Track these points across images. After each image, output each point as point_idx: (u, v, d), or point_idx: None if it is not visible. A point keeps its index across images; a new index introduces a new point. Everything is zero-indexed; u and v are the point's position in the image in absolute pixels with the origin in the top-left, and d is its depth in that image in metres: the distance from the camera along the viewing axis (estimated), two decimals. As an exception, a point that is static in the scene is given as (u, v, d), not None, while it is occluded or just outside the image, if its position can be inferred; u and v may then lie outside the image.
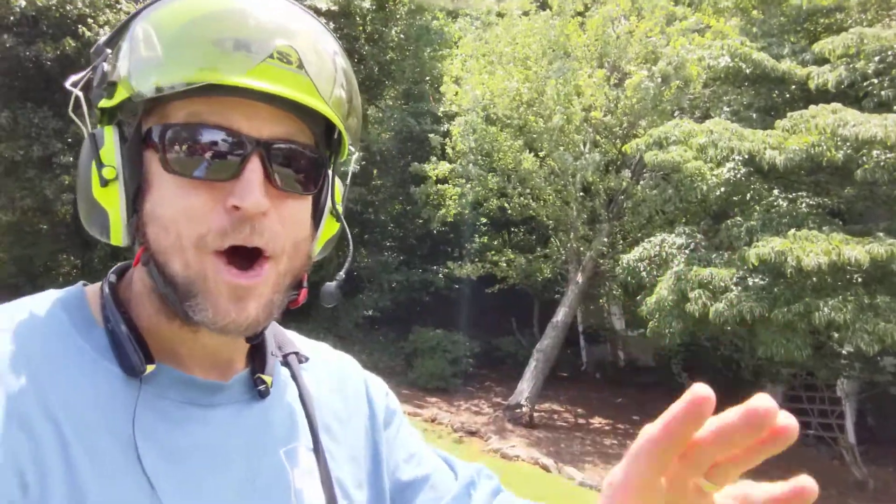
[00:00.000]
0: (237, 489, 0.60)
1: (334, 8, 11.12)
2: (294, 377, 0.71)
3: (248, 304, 0.57)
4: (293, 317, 0.70)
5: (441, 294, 13.66)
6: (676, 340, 6.13)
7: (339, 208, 0.69)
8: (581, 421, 10.25)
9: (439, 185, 11.25)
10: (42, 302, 0.60)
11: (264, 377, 0.67)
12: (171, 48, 0.55)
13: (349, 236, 0.71)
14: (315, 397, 0.72)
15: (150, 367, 0.57)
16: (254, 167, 0.55)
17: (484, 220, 12.95)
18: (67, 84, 0.61)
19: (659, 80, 7.40)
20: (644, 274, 6.64)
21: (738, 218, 6.27)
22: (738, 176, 6.53)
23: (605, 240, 9.72)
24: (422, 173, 11.38)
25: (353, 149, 0.69)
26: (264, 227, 0.56)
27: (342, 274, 0.69)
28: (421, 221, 13.29)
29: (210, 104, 0.56)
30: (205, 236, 0.55)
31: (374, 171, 13.79)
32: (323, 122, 0.62)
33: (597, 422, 10.25)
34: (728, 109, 7.12)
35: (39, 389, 0.53)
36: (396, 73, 13.18)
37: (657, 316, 5.95)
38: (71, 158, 11.83)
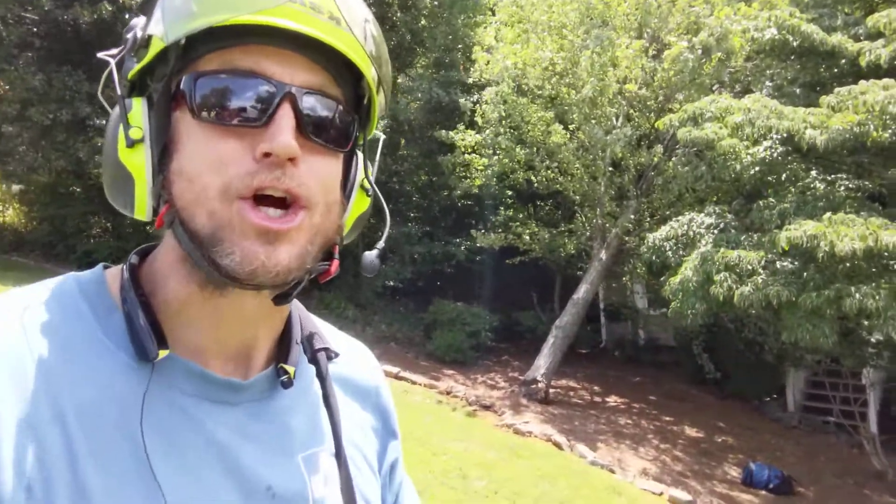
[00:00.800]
0: (250, 496, 0.58)
1: (366, -27, 10.92)
2: (321, 376, 0.68)
3: (279, 248, 0.54)
4: (314, 284, 0.65)
5: (462, 266, 13.66)
6: (699, 322, 6.02)
7: (368, 184, 0.67)
8: (597, 399, 10.25)
9: (466, 156, 11.14)
10: (60, 287, 0.59)
11: (287, 367, 0.64)
12: None
13: (384, 205, 0.68)
14: (340, 397, 0.69)
15: (162, 353, 0.55)
16: (285, 113, 0.54)
17: (509, 192, 12.86)
18: (101, 54, 0.60)
19: (699, 51, 7.11)
20: (670, 253, 6.50)
21: (771, 199, 6.05)
22: (775, 155, 6.27)
23: (633, 217, 9.55)
24: (449, 141, 11.28)
25: (378, 131, 0.68)
26: (293, 173, 0.54)
27: (382, 242, 0.66)
28: (446, 193, 13.22)
29: (243, 52, 0.55)
30: (230, 182, 0.53)
31: (402, 141, 13.70)
32: (353, 86, 0.61)
33: (612, 400, 10.23)
34: (770, 84, 6.81)
35: (50, 386, 0.52)
36: (428, 40, 12.96)
37: (680, 296, 5.84)
38: (104, 122, 11.95)
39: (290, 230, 0.54)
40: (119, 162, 0.56)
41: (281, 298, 0.59)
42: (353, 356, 0.78)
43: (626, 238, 9.64)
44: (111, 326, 0.57)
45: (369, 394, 0.76)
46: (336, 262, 0.62)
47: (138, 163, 0.56)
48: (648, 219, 9.65)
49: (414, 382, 9.03)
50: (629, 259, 10.28)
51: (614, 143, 7.96)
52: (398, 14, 12.23)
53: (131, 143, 0.55)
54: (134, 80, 0.59)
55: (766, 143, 5.80)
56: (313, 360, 0.68)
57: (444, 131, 11.33)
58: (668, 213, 9.36)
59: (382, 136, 0.75)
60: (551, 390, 9.59)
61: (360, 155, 0.66)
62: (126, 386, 0.54)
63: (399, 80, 12.71)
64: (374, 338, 11.89)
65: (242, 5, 0.52)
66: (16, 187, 14.03)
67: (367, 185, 0.66)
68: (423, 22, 12.90)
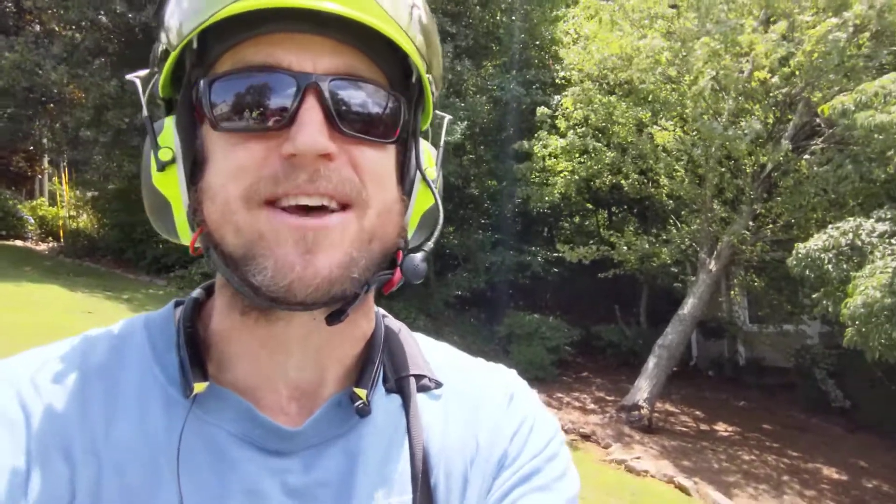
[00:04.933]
0: None
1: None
2: (405, 407, 0.58)
3: (316, 256, 0.47)
4: (379, 293, 0.55)
5: (535, 275, 12.90)
6: (893, 355, 4.96)
7: (431, 174, 0.58)
8: (703, 427, 9.17)
9: (547, 161, 10.28)
10: (129, 324, 0.58)
11: (358, 391, 0.55)
12: None
13: (440, 204, 0.59)
14: (439, 440, 0.58)
15: (199, 387, 0.51)
16: (310, 107, 0.47)
17: (587, 199, 11.99)
18: (129, 76, 0.57)
19: (851, 29, 6.04)
20: (830, 267, 5.46)
21: None
22: None
23: (751, 223, 8.44)
24: (529, 151, 10.46)
25: (438, 112, 0.60)
26: (330, 171, 0.47)
27: (430, 244, 0.58)
28: (520, 201, 12.45)
29: (255, 45, 0.48)
30: (251, 186, 0.47)
31: (472, 144, 13.03)
32: (396, 62, 0.52)
33: (722, 428, 9.13)
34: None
35: (92, 420, 0.50)
36: (505, 37, 12.20)
37: (865, 322, 4.79)
38: (173, 126, 11.90)
39: (330, 231, 0.48)
40: (153, 187, 0.54)
41: (333, 317, 0.51)
42: (475, 376, 0.64)
43: (743, 247, 8.53)
44: (168, 362, 0.55)
45: (489, 417, 0.61)
46: (400, 271, 0.54)
47: (172, 186, 0.53)
48: (770, 225, 8.51)
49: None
50: (740, 270, 9.18)
51: (738, 139, 6.93)
52: (476, 8, 11.53)
53: (162, 167, 0.53)
54: (169, 98, 0.56)
55: None
56: (398, 388, 0.59)
57: (523, 142, 10.53)
58: (792, 219, 8.24)
59: (448, 117, 0.66)
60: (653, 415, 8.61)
61: (417, 142, 0.57)
62: (167, 423, 0.52)
63: (473, 81, 12.00)
64: (447, 352, 11.23)
65: None
66: (89, 194, 14.19)
67: (427, 175, 0.57)
68: (499, 16, 12.17)
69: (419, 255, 0.56)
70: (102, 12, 11.15)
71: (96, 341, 0.56)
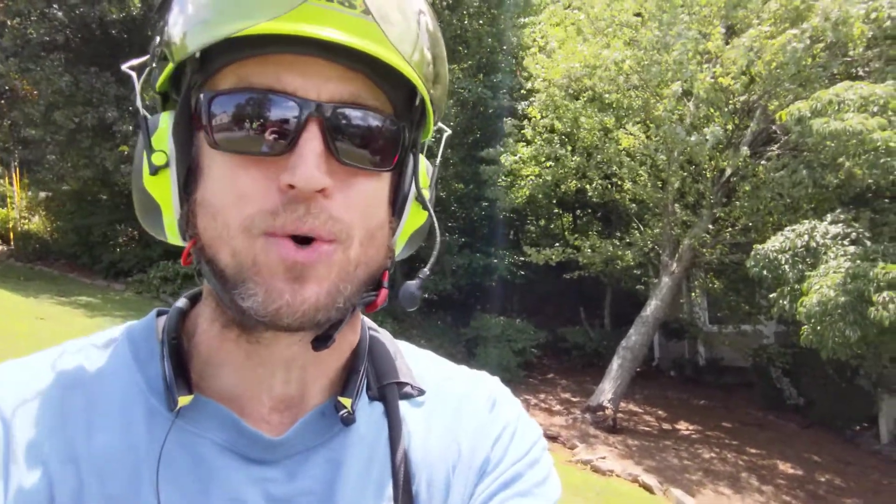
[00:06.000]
0: None
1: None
2: (388, 415, 0.58)
3: (305, 285, 0.48)
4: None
5: (501, 278, 12.97)
6: (847, 353, 5.14)
7: (426, 193, 0.59)
8: (666, 426, 9.37)
9: (514, 165, 10.37)
10: (110, 334, 0.58)
11: (343, 400, 0.56)
12: (212, 2, 0.47)
13: (436, 225, 0.60)
14: (421, 447, 0.58)
15: (183, 399, 0.51)
16: (310, 136, 0.47)
17: (554, 203, 12.10)
18: (125, 66, 0.55)
19: (808, 40, 6.27)
20: (787, 267, 5.64)
21: None
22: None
23: (711, 226, 8.67)
24: (494, 158, 10.54)
25: (438, 126, 0.60)
26: (321, 208, 0.48)
27: (426, 270, 0.57)
28: (486, 204, 12.49)
29: (261, 64, 0.48)
30: (252, 217, 0.48)
31: (439, 147, 13.05)
32: (401, 86, 0.52)
33: (683, 427, 9.35)
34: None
35: (66, 430, 0.51)
36: (472, 41, 12.26)
37: (821, 320, 4.96)
38: (131, 127, 11.52)
39: (317, 262, 0.48)
40: (144, 190, 0.53)
41: (319, 343, 0.52)
42: (457, 384, 0.64)
43: (703, 249, 8.75)
44: (151, 372, 0.54)
45: (471, 422, 0.61)
46: (384, 293, 0.55)
47: (164, 191, 0.52)
48: (730, 229, 8.76)
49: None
50: (700, 272, 9.42)
51: (700, 145, 7.11)
52: (445, 12, 11.55)
53: (155, 171, 0.52)
54: (164, 92, 0.55)
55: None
56: (381, 396, 0.59)
57: (490, 149, 10.61)
58: (749, 222, 8.50)
59: (448, 131, 0.64)
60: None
61: (416, 161, 0.57)
62: (149, 433, 0.52)
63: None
64: (414, 355, 11.18)
65: (256, 11, 0.45)
66: (42, 194, 13.61)
67: (424, 195, 0.58)
68: (467, 20, 12.22)
69: (415, 283, 0.56)
70: (55, 5, 10.74)
71: (77, 352, 0.56)
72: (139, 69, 0.54)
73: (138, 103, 0.53)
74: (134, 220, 12.64)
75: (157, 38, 0.52)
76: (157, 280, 11.53)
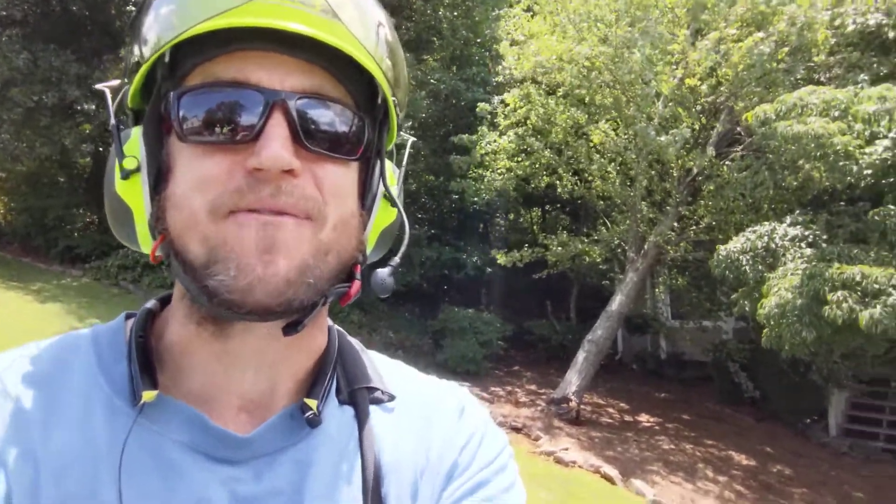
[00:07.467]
0: None
1: (385, -45, 10.17)
2: (358, 418, 0.58)
3: (276, 257, 0.48)
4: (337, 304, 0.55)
5: (470, 272, 13.03)
6: (804, 352, 5.31)
7: (394, 191, 0.60)
8: (628, 418, 9.59)
9: (486, 157, 10.39)
10: (74, 337, 0.58)
11: (309, 401, 0.55)
12: (178, 7, 0.49)
13: (405, 220, 0.61)
14: (391, 451, 0.58)
15: (148, 395, 0.51)
16: (276, 122, 0.48)
17: (519, 197, 12.18)
18: (99, 86, 0.59)
19: (773, 45, 6.44)
20: (747, 268, 5.81)
21: (892, 207, 5.31)
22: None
23: (676, 224, 8.86)
24: (468, 145, 10.50)
25: (403, 133, 0.62)
26: (294, 186, 0.49)
27: (398, 259, 0.57)
28: (456, 196, 12.50)
29: (227, 62, 0.49)
30: (217, 198, 0.48)
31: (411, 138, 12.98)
32: (363, 83, 0.54)
33: (644, 419, 9.58)
34: (866, 79, 6.11)
35: (30, 430, 0.50)
36: (446, 32, 12.19)
37: (779, 323, 5.11)
38: (93, 106, 11.13)
39: (287, 235, 0.48)
40: (116, 195, 0.54)
41: (290, 328, 0.52)
42: (426, 392, 0.65)
43: (668, 247, 8.95)
44: (116, 374, 0.54)
45: (441, 432, 0.62)
46: (357, 284, 0.55)
47: (135, 195, 0.54)
48: (694, 227, 8.97)
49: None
50: (664, 269, 9.63)
51: (668, 144, 7.25)
52: (417, 2, 11.45)
53: (126, 175, 0.53)
54: (137, 109, 0.56)
55: (885, 143, 5.07)
56: (351, 400, 0.60)
57: (463, 136, 10.57)
58: (713, 221, 8.72)
59: (411, 139, 0.68)
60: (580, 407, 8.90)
61: (382, 161, 0.59)
62: (110, 432, 0.51)
63: (414, 74, 11.94)
64: (381, 346, 11.16)
65: (220, 3, 0.47)
66: (-6, 175, 13.08)
67: (392, 192, 0.59)
68: (441, 11, 12.14)
69: (386, 270, 0.57)
70: (12, -22, 10.29)
71: (39, 352, 0.56)
72: (113, 90, 0.57)
73: (111, 115, 0.55)
74: (94, 205, 12.22)
75: (129, 57, 0.54)
76: (115, 267, 11.20)
